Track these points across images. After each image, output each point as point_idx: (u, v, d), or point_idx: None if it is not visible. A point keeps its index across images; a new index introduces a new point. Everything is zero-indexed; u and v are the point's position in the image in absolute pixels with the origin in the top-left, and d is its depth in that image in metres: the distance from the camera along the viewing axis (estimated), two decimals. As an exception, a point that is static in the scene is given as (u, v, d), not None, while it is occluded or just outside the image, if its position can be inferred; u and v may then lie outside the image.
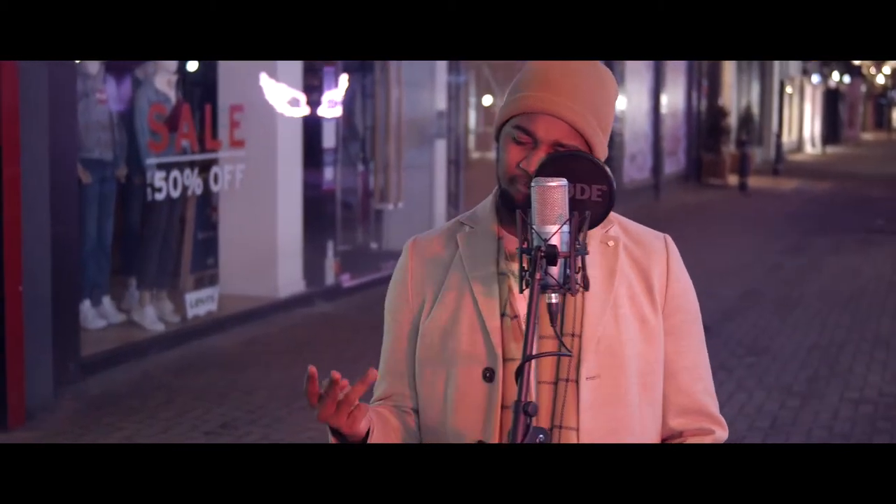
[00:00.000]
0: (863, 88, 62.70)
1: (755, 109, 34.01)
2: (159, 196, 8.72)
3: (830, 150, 45.37)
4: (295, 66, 10.25)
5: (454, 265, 2.19)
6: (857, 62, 52.61)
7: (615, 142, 19.90)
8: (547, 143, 2.10)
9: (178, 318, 9.05)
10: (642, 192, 21.82)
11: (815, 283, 12.39)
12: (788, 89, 39.34)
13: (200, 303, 9.18)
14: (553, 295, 1.95)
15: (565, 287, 1.95)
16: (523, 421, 1.86)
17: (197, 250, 9.63)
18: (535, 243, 1.95)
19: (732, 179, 25.83)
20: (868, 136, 64.65)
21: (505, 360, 2.10)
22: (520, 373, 1.89)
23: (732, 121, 29.87)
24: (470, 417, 2.12)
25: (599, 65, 2.19)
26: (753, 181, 25.82)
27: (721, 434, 2.22)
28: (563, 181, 1.98)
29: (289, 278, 10.32)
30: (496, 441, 2.09)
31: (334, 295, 10.85)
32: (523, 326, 2.04)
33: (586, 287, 2.02)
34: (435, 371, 2.17)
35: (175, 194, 8.88)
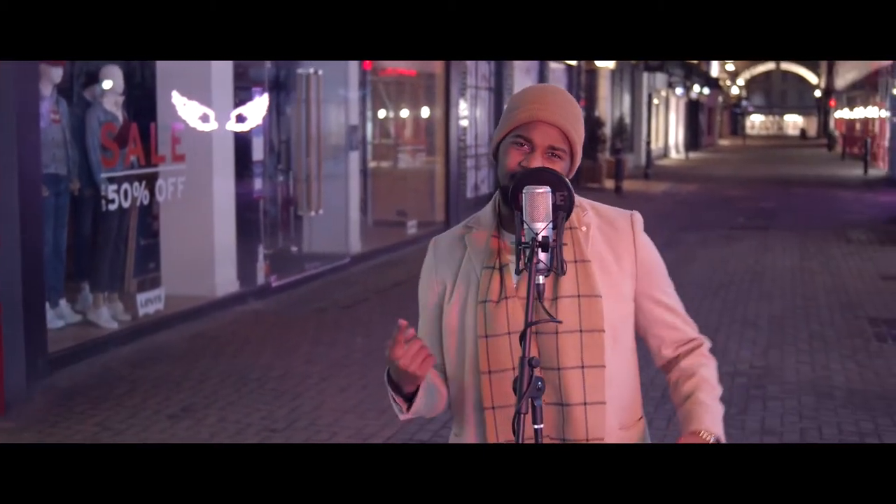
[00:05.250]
0: (720, 99, 64.42)
1: (627, 120, 34.88)
2: (112, 207, 8.95)
3: (693, 155, 46.63)
4: (227, 85, 10.56)
5: (465, 261, 2.50)
6: (714, 75, 53.95)
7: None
8: (542, 146, 2.40)
9: (128, 317, 9.28)
10: (529, 196, 22.32)
11: (688, 275, 12.84)
12: (655, 101, 40.34)
13: (150, 302, 9.43)
14: (540, 277, 2.26)
15: (553, 270, 2.30)
16: (527, 371, 2.18)
17: (139, 256, 9.89)
18: (529, 236, 2.26)
19: (609, 183, 26.47)
20: (724, 142, 66.39)
21: (510, 331, 2.41)
22: (523, 336, 2.23)
23: (608, 130, 30.65)
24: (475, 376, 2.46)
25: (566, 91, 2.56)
26: (627, 185, 26.57)
27: (705, 341, 2.59)
28: (548, 188, 2.29)
29: (224, 279, 10.61)
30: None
31: (264, 294, 11.16)
32: (522, 302, 2.38)
33: (563, 271, 2.36)
34: (456, 339, 2.50)
35: (126, 205, 9.12)
